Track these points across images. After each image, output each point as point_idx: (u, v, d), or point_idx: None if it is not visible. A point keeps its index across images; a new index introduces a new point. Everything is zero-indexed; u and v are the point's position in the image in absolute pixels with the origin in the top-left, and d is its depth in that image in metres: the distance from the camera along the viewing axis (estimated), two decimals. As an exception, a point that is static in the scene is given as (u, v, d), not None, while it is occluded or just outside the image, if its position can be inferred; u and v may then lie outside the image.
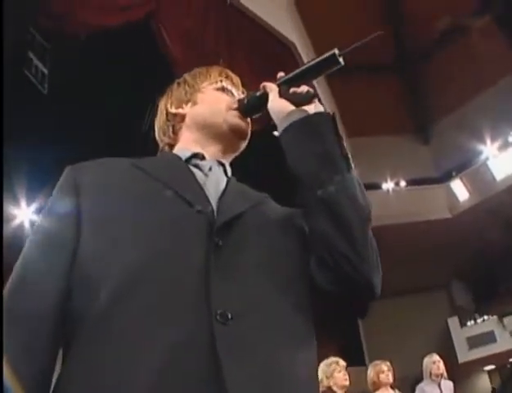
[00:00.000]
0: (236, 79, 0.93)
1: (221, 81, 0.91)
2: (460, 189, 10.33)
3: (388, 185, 10.25)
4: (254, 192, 0.81)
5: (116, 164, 0.74)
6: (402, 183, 10.26)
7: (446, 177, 10.49)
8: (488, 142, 9.73)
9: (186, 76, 0.94)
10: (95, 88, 4.06)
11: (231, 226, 0.68)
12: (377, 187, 10.08)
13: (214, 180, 0.78)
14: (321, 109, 0.76)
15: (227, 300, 0.61)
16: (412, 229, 9.55)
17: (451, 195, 10.39)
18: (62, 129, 4.27)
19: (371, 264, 0.68)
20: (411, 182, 10.27)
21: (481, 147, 9.80)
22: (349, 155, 0.73)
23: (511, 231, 9.66)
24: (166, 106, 0.91)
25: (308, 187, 0.70)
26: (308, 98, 0.77)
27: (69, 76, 4.06)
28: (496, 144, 9.74)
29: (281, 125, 0.76)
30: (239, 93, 0.91)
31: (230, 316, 0.60)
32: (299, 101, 0.77)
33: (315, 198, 0.69)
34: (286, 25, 7.49)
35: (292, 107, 0.76)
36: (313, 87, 0.81)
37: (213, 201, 0.71)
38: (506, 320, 10.48)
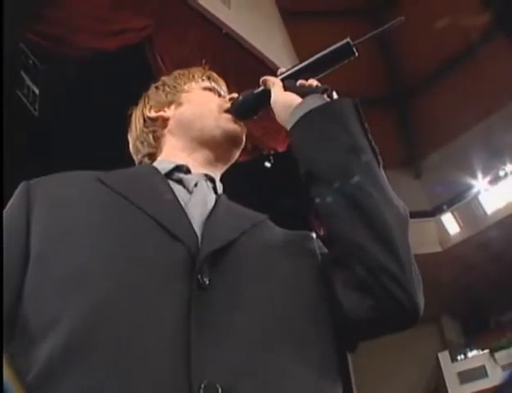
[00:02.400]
0: (222, 82, 0.81)
1: (208, 80, 0.78)
2: (450, 223, 10.33)
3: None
4: (250, 212, 0.65)
5: (78, 179, 0.60)
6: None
7: (437, 210, 10.50)
8: (479, 176, 9.79)
9: (165, 79, 0.80)
10: (87, 110, 4.04)
11: (220, 258, 0.52)
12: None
13: (200, 199, 0.62)
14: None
15: (215, 368, 0.44)
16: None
17: (442, 229, 10.39)
18: (52, 151, 4.23)
19: (416, 281, 0.54)
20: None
21: (472, 181, 9.86)
22: (377, 149, 0.60)
23: (502, 265, 9.64)
24: (143, 111, 0.77)
25: (332, 184, 0.56)
26: (321, 91, 0.64)
27: (60, 97, 4.04)
28: (488, 178, 9.81)
29: (296, 114, 0.62)
30: (227, 94, 0.78)
31: (219, 390, 0.43)
32: (310, 93, 0.64)
33: (342, 196, 0.55)
34: (282, 59, 7.59)
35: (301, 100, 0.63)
36: None
37: (197, 227, 0.55)
38: (498, 355, 10.35)
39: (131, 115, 0.80)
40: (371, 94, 9.48)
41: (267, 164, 6.26)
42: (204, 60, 0.84)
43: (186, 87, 0.78)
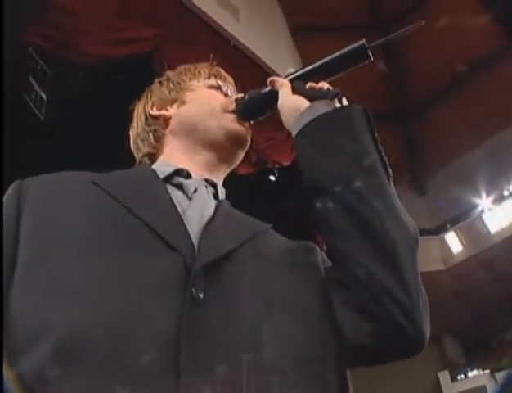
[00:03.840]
0: (230, 79, 0.76)
1: (214, 77, 0.74)
2: (454, 241, 10.28)
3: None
4: (252, 221, 0.61)
5: (72, 181, 0.57)
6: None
7: (441, 229, 10.46)
8: (484, 195, 9.76)
9: (170, 74, 0.76)
10: (92, 116, 4.05)
11: (217, 270, 0.49)
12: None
13: (199, 206, 0.58)
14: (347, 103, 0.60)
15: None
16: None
17: (445, 247, 10.33)
18: (56, 156, 4.24)
19: (423, 308, 0.51)
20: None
21: (476, 200, 9.82)
22: (387, 161, 0.55)
23: (505, 284, 9.55)
24: (145, 108, 0.73)
25: (336, 197, 0.52)
26: (331, 95, 0.60)
27: (67, 103, 4.05)
28: (492, 197, 9.77)
29: (302, 120, 0.58)
30: (233, 94, 0.74)
31: None
32: (320, 97, 0.60)
33: (346, 210, 0.51)
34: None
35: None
36: None
37: (195, 235, 0.52)
38: (498, 375, 10.24)
39: (133, 110, 0.77)
40: (378, 108, 9.49)
41: (272, 178, 6.21)
42: (211, 56, 0.80)
43: (190, 84, 0.74)
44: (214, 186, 0.66)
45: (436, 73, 8.85)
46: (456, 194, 9.52)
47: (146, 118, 0.73)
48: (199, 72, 0.76)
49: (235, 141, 0.69)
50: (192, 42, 5.34)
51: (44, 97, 3.85)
